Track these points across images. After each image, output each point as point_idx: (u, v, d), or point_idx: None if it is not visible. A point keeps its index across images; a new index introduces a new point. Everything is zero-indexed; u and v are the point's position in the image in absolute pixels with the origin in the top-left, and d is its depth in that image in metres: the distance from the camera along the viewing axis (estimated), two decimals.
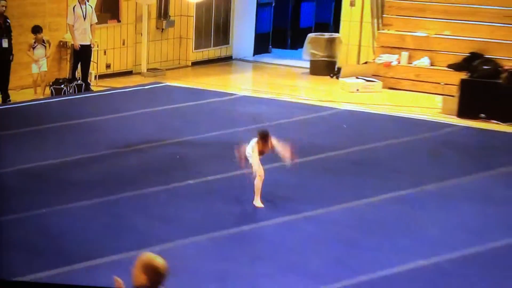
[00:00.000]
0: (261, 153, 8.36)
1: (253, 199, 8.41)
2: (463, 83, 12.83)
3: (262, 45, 17.77)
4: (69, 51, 14.21)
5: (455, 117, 12.60)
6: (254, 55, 17.56)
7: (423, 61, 14.48)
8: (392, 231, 8.02)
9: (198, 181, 9.35)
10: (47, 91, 13.66)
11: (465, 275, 7.09)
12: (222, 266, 7.19)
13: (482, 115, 12.49)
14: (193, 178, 9.41)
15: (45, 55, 13.46)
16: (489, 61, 13.30)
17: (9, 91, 13.15)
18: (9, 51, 12.91)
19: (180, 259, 7.31)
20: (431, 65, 14.43)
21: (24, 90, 13.67)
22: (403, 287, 6.88)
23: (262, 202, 8.39)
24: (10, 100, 13.10)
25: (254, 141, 8.38)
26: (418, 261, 7.28)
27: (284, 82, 15.33)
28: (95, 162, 10.08)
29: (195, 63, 16.62)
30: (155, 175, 9.56)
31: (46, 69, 13.54)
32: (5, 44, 12.83)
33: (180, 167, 9.87)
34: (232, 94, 13.89)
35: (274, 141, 8.41)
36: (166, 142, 10.93)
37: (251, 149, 8.36)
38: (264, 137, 8.33)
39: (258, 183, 8.36)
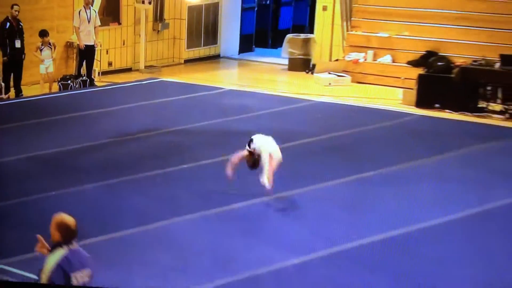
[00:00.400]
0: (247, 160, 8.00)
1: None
2: (421, 78, 12.77)
3: (246, 44, 17.61)
4: (75, 50, 13.99)
5: (413, 107, 12.53)
6: (239, 53, 17.39)
7: (386, 59, 14.41)
8: (360, 207, 7.99)
9: (191, 165, 9.24)
10: (55, 86, 13.43)
11: (421, 246, 7.04)
12: (213, 240, 7.13)
13: (437, 105, 12.43)
14: (186, 162, 9.30)
15: (51, 57, 13.14)
16: (443, 58, 13.22)
17: (21, 87, 12.93)
18: (21, 50, 12.68)
19: (175, 235, 7.28)
20: (393, 62, 14.35)
21: (35, 86, 13.41)
22: (371, 256, 6.84)
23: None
24: (22, 95, 12.89)
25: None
26: (382, 234, 7.24)
27: (266, 77, 15.20)
28: (98, 150, 9.93)
29: (187, 61, 16.44)
30: (152, 160, 9.45)
31: (53, 70, 13.23)
32: (18, 44, 12.59)
33: (175, 153, 9.75)
34: (220, 88, 13.75)
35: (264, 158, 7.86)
36: (162, 131, 10.79)
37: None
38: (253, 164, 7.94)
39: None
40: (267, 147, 7.93)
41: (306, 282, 6.37)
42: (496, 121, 11.90)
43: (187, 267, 6.58)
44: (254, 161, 7.95)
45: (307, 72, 15.35)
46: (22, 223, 7.41)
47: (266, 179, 7.86)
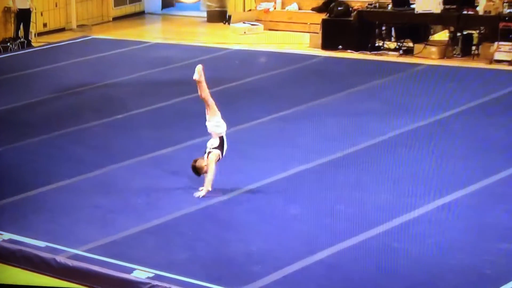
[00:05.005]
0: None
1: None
2: (324, 22, 12.53)
3: (167, 0, 16.89)
4: (12, 15, 13.14)
5: (319, 49, 12.31)
6: (162, 9, 16.70)
7: (293, 6, 14.15)
8: (277, 143, 7.81)
9: (125, 115, 8.83)
10: None
11: (333, 174, 6.99)
12: (147, 183, 6.84)
13: (340, 46, 12.27)
14: (120, 113, 8.88)
15: None
16: (342, 3, 12.94)
17: None
18: None
19: (113, 179, 6.96)
20: (299, 9, 14.12)
21: None
22: (289, 187, 6.70)
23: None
24: None
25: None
26: (299, 167, 7.12)
27: (187, 29, 14.71)
28: (40, 105, 9.40)
29: (115, 18, 15.68)
30: (90, 112, 8.99)
31: None
32: None
33: (110, 105, 9.29)
34: (146, 42, 13.19)
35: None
36: (96, 85, 10.28)
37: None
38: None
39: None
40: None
41: (233, 213, 6.22)
42: (391, 57, 11.83)
43: (125, 208, 6.31)
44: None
45: (224, 23, 14.92)
46: None
47: None
